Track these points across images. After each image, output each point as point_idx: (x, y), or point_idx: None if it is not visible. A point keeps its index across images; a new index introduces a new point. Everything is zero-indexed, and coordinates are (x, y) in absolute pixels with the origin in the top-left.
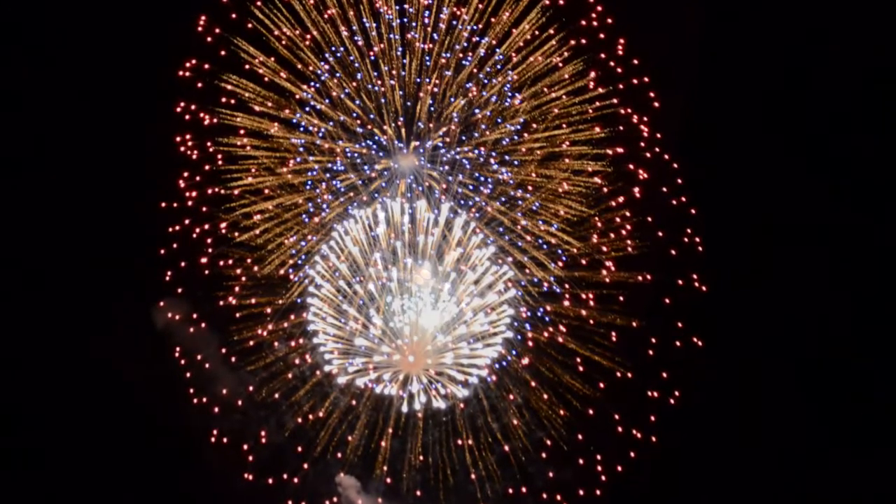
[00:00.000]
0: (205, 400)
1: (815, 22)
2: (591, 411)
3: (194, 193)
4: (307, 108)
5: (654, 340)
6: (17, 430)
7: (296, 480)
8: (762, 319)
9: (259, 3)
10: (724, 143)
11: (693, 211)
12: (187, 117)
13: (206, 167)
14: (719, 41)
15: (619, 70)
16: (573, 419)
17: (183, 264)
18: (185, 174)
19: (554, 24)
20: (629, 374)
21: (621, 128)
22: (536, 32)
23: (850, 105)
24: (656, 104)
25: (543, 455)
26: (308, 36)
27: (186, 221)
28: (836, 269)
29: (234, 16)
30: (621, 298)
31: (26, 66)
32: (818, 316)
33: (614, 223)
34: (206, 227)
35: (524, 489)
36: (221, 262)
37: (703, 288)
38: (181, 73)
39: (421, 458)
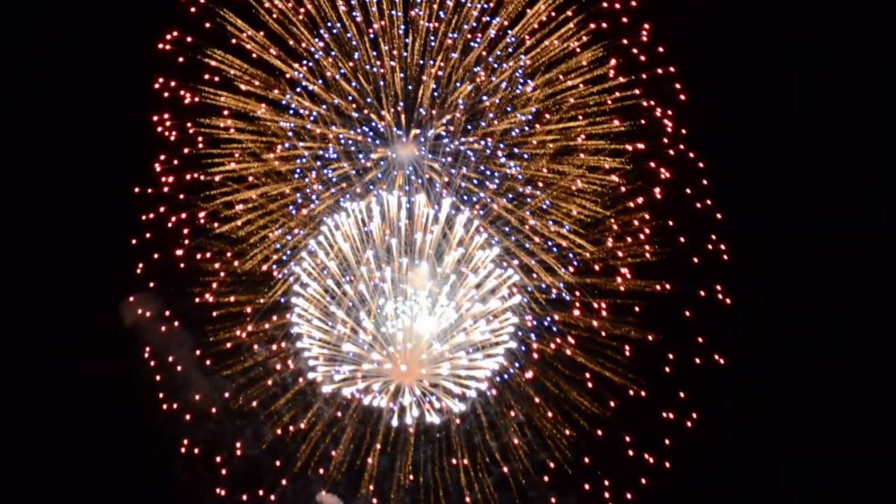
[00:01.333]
0: (175, 406)
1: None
2: (599, 432)
3: (171, 179)
4: (298, 89)
5: (671, 356)
6: None
7: (273, 498)
8: (791, 336)
9: None
10: (755, 143)
11: (718, 216)
12: (166, 95)
13: (185, 150)
14: (755, 29)
15: (642, 58)
16: (580, 440)
17: (156, 256)
18: (162, 157)
19: (572, 6)
20: (643, 393)
21: (643, 122)
22: (553, 14)
23: None
24: (682, 97)
25: (546, 479)
26: (301, 9)
27: (161, 209)
28: (875, 282)
29: None
30: (637, 309)
31: None
32: (855, 334)
33: (632, 226)
34: (183, 215)
35: None
36: (198, 256)
37: (727, 300)
38: (161, 45)
39: (411, 477)
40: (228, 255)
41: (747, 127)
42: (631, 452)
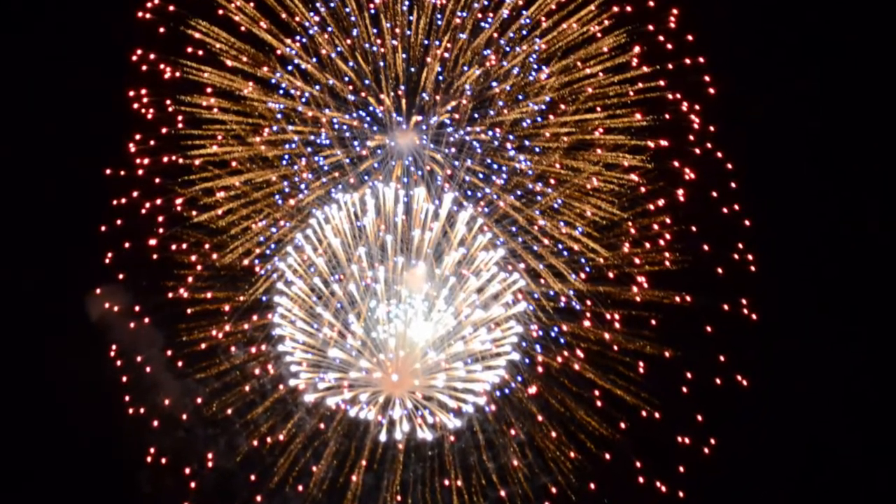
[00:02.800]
0: (142, 410)
1: None
2: (607, 456)
3: (146, 161)
4: (290, 67)
5: (689, 375)
6: None
7: None
8: (822, 358)
9: None
10: (790, 143)
11: (747, 222)
12: (144, 68)
13: (164, 130)
14: (795, 17)
15: (668, 46)
16: (585, 464)
17: (127, 245)
18: (137, 136)
19: None
20: (657, 415)
21: (667, 116)
22: None
23: None
24: (711, 90)
25: None
26: None
27: (135, 194)
28: None
29: None
30: (653, 322)
31: None
32: (889, 357)
33: (651, 231)
34: (158, 202)
35: None
36: (174, 246)
37: (753, 316)
38: (140, 14)
39: (399, 497)
40: (207, 246)
41: (782, 126)
42: (641, 479)
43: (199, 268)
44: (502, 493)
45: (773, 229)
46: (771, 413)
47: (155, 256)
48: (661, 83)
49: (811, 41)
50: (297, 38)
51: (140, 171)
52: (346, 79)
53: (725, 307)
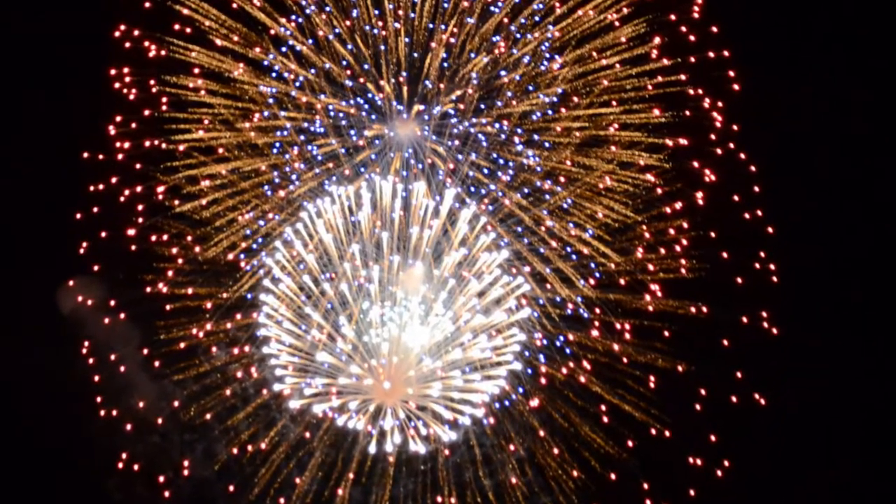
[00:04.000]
0: (115, 413)
1: None
2: (613, 476)
3: (127, 144)
4: (284, 49)
5: (703, 392)
6: None
7: None
8: (846, 376)
9: None
10: (819, 146)
11: (770, 230)
12: (127, 45)
13: (146, 112)
14: (827, 11)
15: (691, 38)
16: (589, 484)
17: (103, 235)
18: (118, 118)
19: None
20: (667, 433)
21: (687, 113)
22: None
23: None
24: (736, 87)
25: None
26: None
27: (113, 180)
28: None
29: None
30: (666, 334)
31: None
32: None
33: (666, 235)
34: (139, 189)
35: None
36: (154, 237)
37: (774, 330)
38: None
39: None
40: (189, 238)
41: (812, 127)
42: (649, 502)
43: (180, 261)
44: None
45: (798, 238)
46: (790, 435)
47: (133, 248)
48: (682, 77)
49: (847, 36)
50: (293, 17)
51: (120, 156)
52: (344, 63)
53: (744, 320)
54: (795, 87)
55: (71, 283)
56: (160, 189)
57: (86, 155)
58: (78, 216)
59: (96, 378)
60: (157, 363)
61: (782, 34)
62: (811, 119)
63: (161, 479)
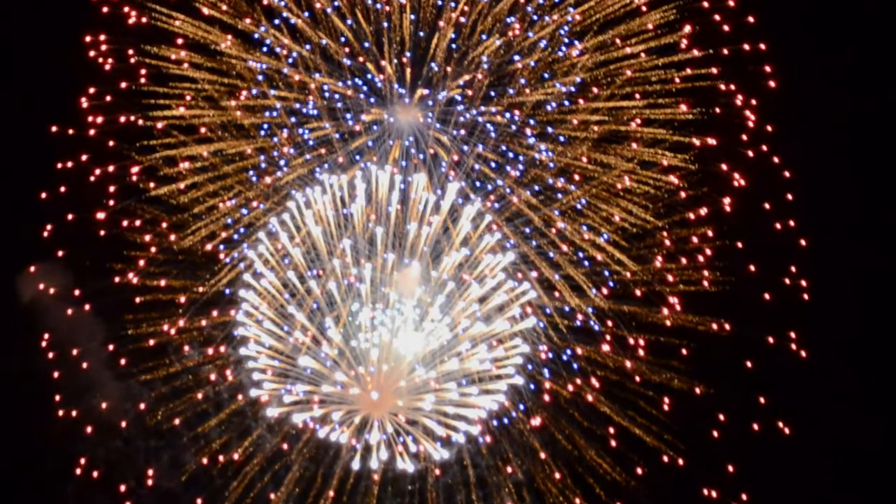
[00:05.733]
0: (74, 414)
1: None
2: None
3: (100, 119)
4: (276, 21)
5: (722, 417)
6: None
7: None
8: (878, 405)
9: None
10: (860, 151)
11: (803, 242)
12: (105, 9)
13: (123, 84)
14: (867, 8)
15: (725, 28)
16: None
17: (70, 217)
18: (91, 90)
19: None
20: (680, 461)
21: (717, 110)
22: None
23: None
24: (772, 83)
25: None
26: None
27: (83, 157)
28: None
29: None
30: (684, 352)
31: None
32: None
33: (689, 244)
34: (111, 168)
35: None
36: (125, 222)
37: (802, 352)
38: None
39: None
40: (164, 225)
41: (853, 131)
42: None
43: (153, 250)
44: None
45: (833, 252)
46: (815, 470)
47: (102, 233)
48: (714, 71)
49: (892, 34)
50: None
51: (91, 131)
52: (343, 39)
53: (770, 340)
54: (838, 87)
55: (32, 268)
56: (134, 170)
57: (54, 129)
58: (43, 195)
59: (55, 374)
60: (123, 361)
61: (825, 28)
62: (853, 123)
63: (122, 488)
